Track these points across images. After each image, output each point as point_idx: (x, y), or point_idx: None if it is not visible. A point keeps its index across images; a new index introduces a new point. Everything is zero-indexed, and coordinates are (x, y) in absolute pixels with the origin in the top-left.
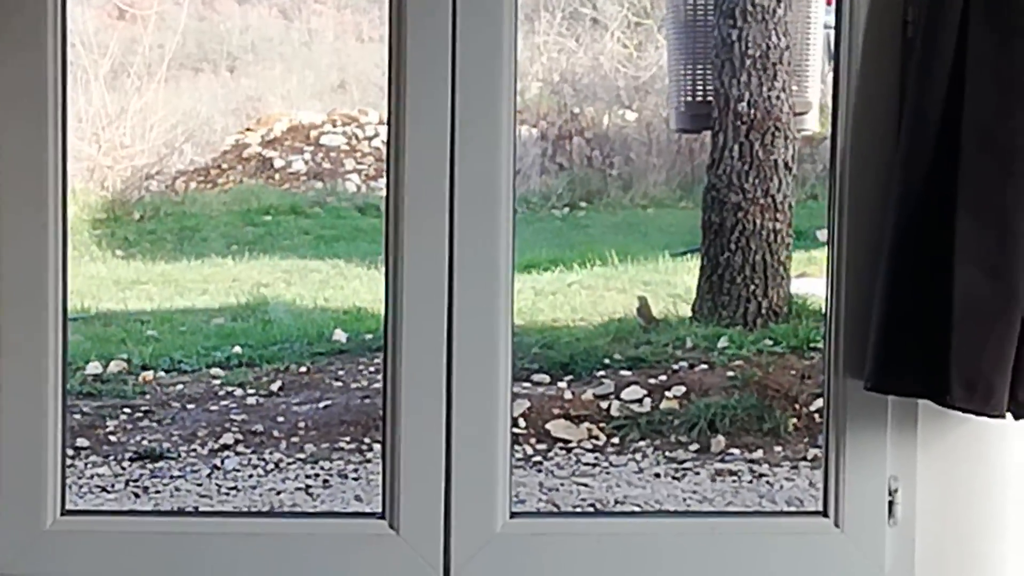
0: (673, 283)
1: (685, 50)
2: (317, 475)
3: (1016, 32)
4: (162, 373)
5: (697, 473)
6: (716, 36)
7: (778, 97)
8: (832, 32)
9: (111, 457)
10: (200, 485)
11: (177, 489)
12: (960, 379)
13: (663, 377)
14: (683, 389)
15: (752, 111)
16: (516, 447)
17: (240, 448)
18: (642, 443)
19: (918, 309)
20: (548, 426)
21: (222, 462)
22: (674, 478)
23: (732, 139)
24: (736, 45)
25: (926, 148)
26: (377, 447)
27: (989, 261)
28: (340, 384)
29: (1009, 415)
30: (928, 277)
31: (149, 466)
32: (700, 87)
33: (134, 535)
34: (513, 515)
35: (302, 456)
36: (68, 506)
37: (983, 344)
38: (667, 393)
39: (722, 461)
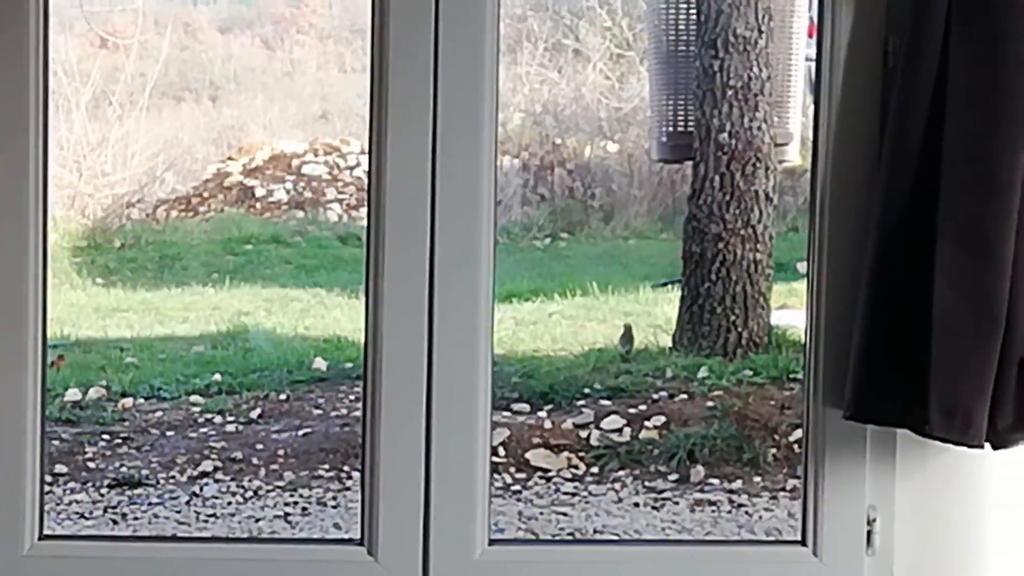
0: (654, 313)
1: (667, 81)
2: (296, 503)
3: (997, 60)
4: (141, 400)
5: (676, 503)
6: (698, 67)
7: (759, 128)
8: (813, 65)
9: (89, 483)
10: (179, 512)
11: (156, 516)
12: (939, 408)
13: (643, 407)
14: (663, 419)
15: (733, 141)
16: (495, 476)
17: (219, 475)
18: (621, 472)
19: (897, 337)
20: (528, 455)
21: (201, 489)
22: (653, 508)
23: (713, 169)
24: (718, 76)
25: (906, 176)
26: (356, 475)
27: (969, 288)
28: (320, 412)
29: (988, 445)
30: (907, 304)
31: (128, 493)
32: (681, 118)
33: (112, 560)
34: (492, 542)
35: (281, 484)
36: (46, 531)
37: (962, 372)
38: (647, 423)
39: (701, 491)
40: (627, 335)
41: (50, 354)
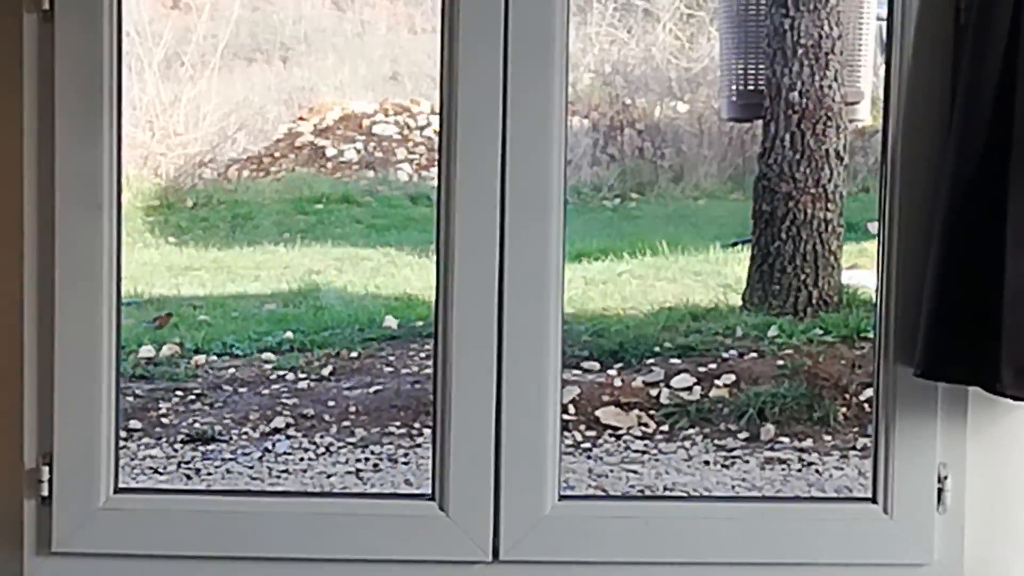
0: (724, 273)
1: (737, 40)
2: (367, 459)
3: None
4: (214, 357)
5: (746, 461)
6: (768, 26)
7: (830, 87)
8: (884, 24)
9: (163, 439)
10: (251, 468)
11: (228, 471)
12: (1010, 367)
13: (713, 365)
14: (733, 377)
15: (804, 100)
16: (566, 434)
17: (291, 432)
18: (691, 431)
19: (969, 297)
20: (598, 413)
21: (273, 445)
22: (723, 466)
23: (783, 128)
24: (788, 35)
25: (978, 135)
26: (427, 432)
27: None
28: (391, 369)
29: None
30: (979, 265)
31: (201, 448)
32: (752, 77)
33: (185, 513)
34: (562, 498)
35: (353, 440)
36: (120, 485)
37: None
38: (717, 381)
39: (771, 449)
40: None
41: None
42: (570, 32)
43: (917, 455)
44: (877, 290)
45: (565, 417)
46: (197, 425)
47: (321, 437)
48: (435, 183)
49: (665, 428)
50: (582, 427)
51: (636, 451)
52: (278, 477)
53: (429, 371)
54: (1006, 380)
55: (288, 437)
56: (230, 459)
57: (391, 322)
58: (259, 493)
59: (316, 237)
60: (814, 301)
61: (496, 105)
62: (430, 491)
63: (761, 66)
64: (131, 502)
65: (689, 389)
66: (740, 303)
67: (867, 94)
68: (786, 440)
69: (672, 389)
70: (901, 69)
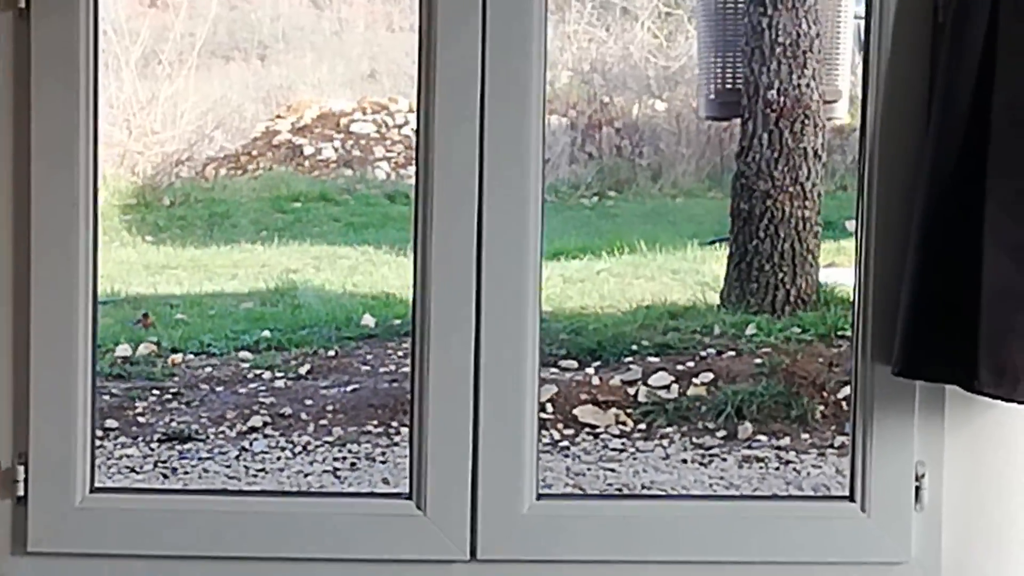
0: (701, 271)
1: (715, 38)
2: (345, 458)
3: None
4: (191, 356)
5: (724, 459)
6: (746, 24)
7: (808, 85)
8: (862, 22)
9: (140, 438)
10: (228, 467)
11: (205, 471)
12: (988, 365)
13: (691, 364)
14: (711, 376)
15: (782, 99)
16: (543, 432)
17: (268, 431)
18: (669, 429)
19: (946, 295)
20: (575, 411)
21: (250, 444)
22: (701, 464)
23: (761, 127)
24: (766, 33)
25: (956, 133)
26: (404, 431)
27: (1018, 247)
28: (368, 368)
29: None
30: (957, 263)
31: (178, 447)
32: (730, 75)
33: (162, 513)
34: (540, 496)
35: (330, 439)
36: (97, 484)
37: (1011, 330)
38: (694, 380)
39: (749, 448)
40: None
41: (136, 315)
42: (548, 30)
43: (894, 453)
44: (855, 288)
45: (543, 415)
46: (174, 424)
47: (298, 436)
48: (413, 181)
49: (643, 426)
50: (560, 425)
51: (614, 449)
52: (255, 476)
53: (407, 370)
54: (983, 378)
55: (265, 436)
56: (207, 458)
57: (369, 320)
58: (236, 492)
59: (294, 235)
60: (792, 299)
61: (474, 103)
62: (407, 490)
63: (739, 64)
64: (107, 501)
65: (667, 387)
66: (718, 301)
67: (845, 92)
68: (764, 438)
69: (650, 387)
70: (879, 67)
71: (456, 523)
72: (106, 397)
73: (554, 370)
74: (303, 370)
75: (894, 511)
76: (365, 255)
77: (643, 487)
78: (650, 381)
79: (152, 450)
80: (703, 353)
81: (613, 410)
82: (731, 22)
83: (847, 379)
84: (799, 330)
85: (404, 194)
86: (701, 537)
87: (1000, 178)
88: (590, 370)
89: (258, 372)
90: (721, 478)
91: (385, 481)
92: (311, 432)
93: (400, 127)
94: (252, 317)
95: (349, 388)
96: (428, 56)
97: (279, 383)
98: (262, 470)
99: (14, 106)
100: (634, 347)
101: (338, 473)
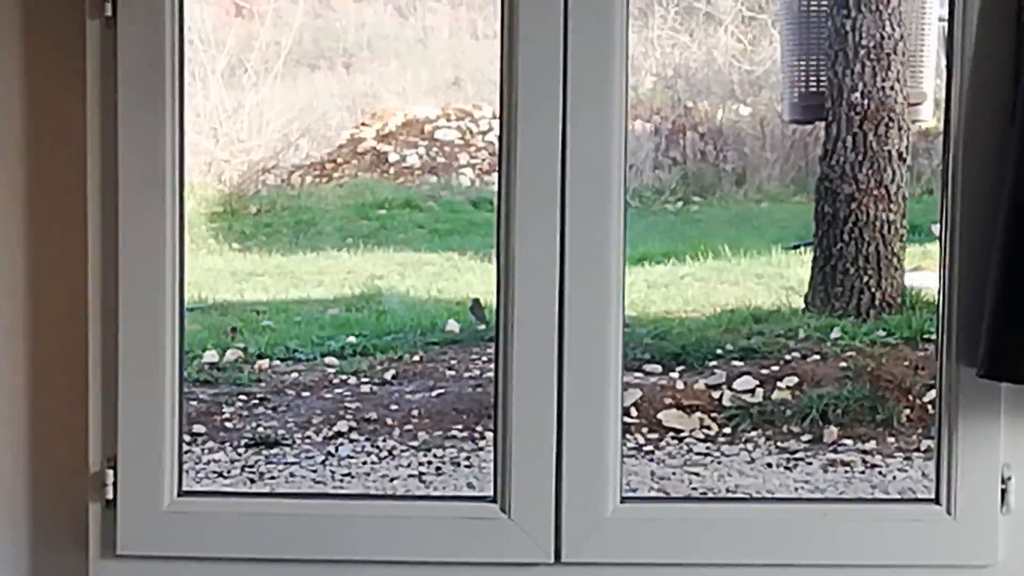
0: (786, 275)
1: (799, 42)
2: (430, 462)
3: None
4: (278, 362)
5: (809, 463)
6: (830, 27)
7: (892, 87)
8: (946, 25)
9: (227, 443)
10: (315, 471)
11: (292, 475)
12: None
13: (775, 368)
14: (795, 379)
15: (866, 101)
16: (628, 436)
17: (354, 435)
18: (754, 433)
19: None
20: (660, 416)
21: (336, 449)
22: (786, 468)
23: (846, 130)
24: (850, 35)
25: None
26: (489, 435)
27: None
28: (453, 373)
29: None
30: None
31: (264, 452)
32: (813, 78)
33: (249, 516)
34: (624, 499)
35: (415, 444)
36: (185, 488)
37: None
38: (779, 383)
39: (834, 451)
40: (475, 309)
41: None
42: (631, 36)
43: (980, 456)
44: (939, 291)
45: (627, 420)
46: (261, 429)
47: (384, 441)
48: (496, 187)
49: (727, 430)
50: (644, 430)
51: (698, 453)
52: (341, 480)
53: (491, 374)
54: None
55: (351, 441)
56: (293, 463)
57: (453, 326)
58: (322, 496)
59: (379, 242)
60: (877, 303)
61: (556, 109)
62: (492, 493)
63: (822, 68)
64: (195, 505)
65: (751, 391)
66: (802, 305)
67: (929, 95)
68: (849, 442)
69: (734, 391)
70: (962, 69)
71: (540, 526)
72: (194, 403)
73: (638, 374)
74: (388, 375)
75: (980, 514)
76: (450, 261)
77: (728, 491)
78: (735, 385)
79: (239, 455)
80: (788, 357)
81: (698, 414)
82: (814, 25)
83: (932, 382)
84: (884, 333)
85: (488, 200)
86: (786, 540)
87: None
88: (674, 374)
89: (344, 377)
90: (806, 482)
91: (470, 485)
92: (396, 437)
93: (484, 134)
94: (338, 323)
95: (434, 393)
96: (510, 63)
97: (364, 388)
98: (348, 474)
99: (101, 115)
100: (718, 351)
101: (423, 477)
